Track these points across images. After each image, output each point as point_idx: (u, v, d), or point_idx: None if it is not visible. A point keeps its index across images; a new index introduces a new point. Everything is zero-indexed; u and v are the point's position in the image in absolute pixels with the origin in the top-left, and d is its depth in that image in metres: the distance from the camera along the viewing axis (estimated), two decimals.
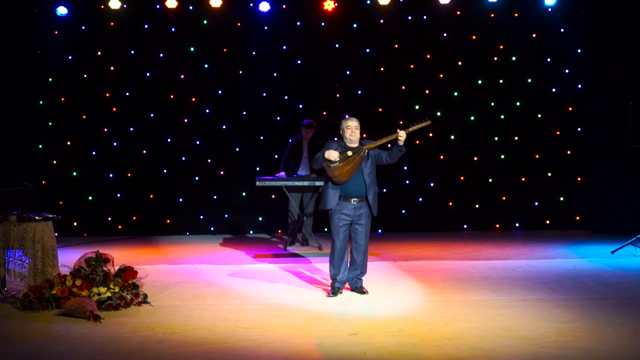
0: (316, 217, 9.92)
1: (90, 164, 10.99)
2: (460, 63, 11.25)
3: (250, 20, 11.00)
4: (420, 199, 11.31)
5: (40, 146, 10.91)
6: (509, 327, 5.36)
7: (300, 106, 11.11)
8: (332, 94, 11.18)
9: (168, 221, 11.13)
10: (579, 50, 11.13)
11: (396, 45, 11.23)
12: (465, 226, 11.33)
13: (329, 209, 6.46)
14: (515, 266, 7.92)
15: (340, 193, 6.44)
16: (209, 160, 11.15)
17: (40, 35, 10.72)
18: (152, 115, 11.09)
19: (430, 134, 11.22)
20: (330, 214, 6.50)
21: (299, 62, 11.22)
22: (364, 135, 6.96)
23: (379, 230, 11.02)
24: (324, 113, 11.00)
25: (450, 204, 11.29)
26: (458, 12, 11.10)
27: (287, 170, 9.49)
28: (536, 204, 11.33)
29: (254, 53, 11.13)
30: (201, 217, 11.21)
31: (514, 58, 11.25)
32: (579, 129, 11.25)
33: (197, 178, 11.15)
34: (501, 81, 11.25)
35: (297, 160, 9.57)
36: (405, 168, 11.24)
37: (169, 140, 11.13)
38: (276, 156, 10.67)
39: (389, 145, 6.54)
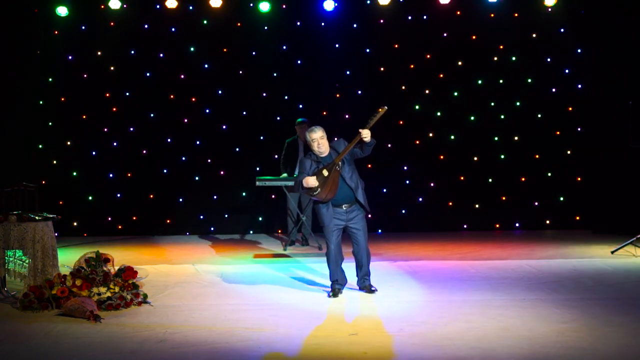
0: (315, 217, 9.91)
1: (90, 164, 10.99)
2: (460, 63, 11.24)
3: (250, 20, 10.99)
4: (420, 199, 11.30)
5: (40, 146, 10.90)
6: (509, 327, 5.36)
7: (300, 106, 11.10)
8: (332, 94, 11.17)
9: (168, 221, 11.13)
10: (579, 50, 11.12)
11: (396, 45, 11.22)
12: (465, 226, 11.32)
13: (328, 225, 6.46)
14: (515, 266, 7.91)
15: (332, 203, 6.46)
16: (209, 160, 11.15)
17: (40, 35, 10.72)
18: (152, 115, 11.08)
19: (431, 134, 11.22)
20: (328, 225, 6.50)
21: (299, 62, 11.22)
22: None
23: (379, 230, 11.01)
24: (324, 113, 11.00)
25: (450, 204, 11.27)
26: (458, 12, 11.08)
27: (285, 171, 9.51)
28: (536, 204, 11.32)
29: (254, 53, 11.13)
30: (201, 217, 11.20)
31: (514, 58, 11.24)
32: (579, 129, 11.24)
33: (197, 178, 11.15)
34: (501, 81, 11.24)
35: (294, 160, 9.58)
36: (405, 168, 11.24)
37: (169, 140, 11.13)
38: (276, 156, 10.66)
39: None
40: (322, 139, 6.44)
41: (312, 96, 11.13)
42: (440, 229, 11.10)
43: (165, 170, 11.11)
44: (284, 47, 11.20)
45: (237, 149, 11.17)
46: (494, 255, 8.74)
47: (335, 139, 6.66)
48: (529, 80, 11.27)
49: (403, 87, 11.22)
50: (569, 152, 11.29)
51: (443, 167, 11.26)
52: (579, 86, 11.19)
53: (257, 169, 10.96)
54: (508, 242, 9.93)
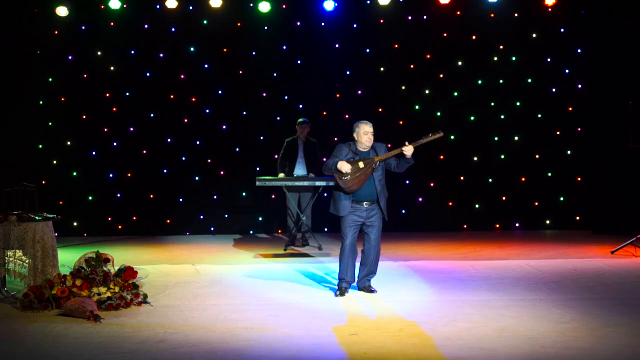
0: (315, 217, 9.92)
1: (90, 164, 10.99)
2: (460, 63, 11.24)
3: (250, 20, 10.99)
4: (420, 199, 11.31)
5: (40, 146, 10.90)
6: (509, 327, 5.37)
7: (300, 106, 11.10)
8: (332, 94, 11.17)
9: (168, 221, 11.12)
10: (579, 50, 11.13)
11: (396, 45, 11.22)
12: (465, 226, 11.32)
13: (342, 215, 6.49)
14: (515, 266, 7.92)
15: (353, 198, 6.49)
16: (209, 160, 11.15)
17: (40, 35, 10.72)
18: (152, 115, 11.08)
19: (431, 134, 11.19)
20: (342, 216, 6.52)
21: (299, 62, 11.21)
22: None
23: None
24: (324, 113, 11.00)
25: (450, 204, 11.28)
26: (458, 12, 11.09)
27: (282, 171, 9.52)
28: (536, 204, 11.32)
29: (254, 53, 11.13)
30: (201, 217, 11.20)
31: (514, 58, 11.25)
32: (579, 129, 11.25)
33: (197, 178, 11.15)
34: (501, 81, 11.24)
35: (292, 160, 9.57)
36: None
37: (169, 140, 11.12)
38: (276, 156, 10.66)
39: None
40: (372, 134, 6.57)
41: (312, 96, 11.12)
42: (440, 229, 11.10)
43: (165, 170, 11.11)
44: (284, 47, 11.19)
45: (237, 149, 11.17)
46: (494, 255, 8.75)
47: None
48: (529, 80, 11.27)
49: (403, 87, 11.22)
50: (569, 152, 11.30)
51: (443, 167, 11.26)
52: (579, 86, 11.19)
53: (257, 169, 10.96)
54: (508, 242, 9.94)
